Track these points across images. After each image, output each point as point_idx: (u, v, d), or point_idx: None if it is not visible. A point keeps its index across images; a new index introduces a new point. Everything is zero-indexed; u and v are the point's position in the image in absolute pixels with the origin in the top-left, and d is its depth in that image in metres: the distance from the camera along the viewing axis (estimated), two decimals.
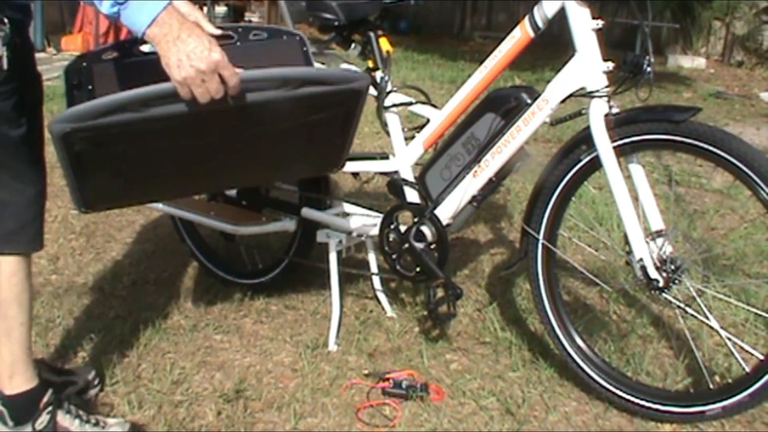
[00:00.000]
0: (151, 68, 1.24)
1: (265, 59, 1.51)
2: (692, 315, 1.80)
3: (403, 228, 2.02)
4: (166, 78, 1.22)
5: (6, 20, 1.31)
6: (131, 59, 1.49)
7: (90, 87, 1.46)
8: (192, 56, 1.17)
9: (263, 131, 1.44)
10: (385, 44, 2.03)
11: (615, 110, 1.69)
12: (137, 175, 1.44)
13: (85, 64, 1.46)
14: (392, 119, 2.05)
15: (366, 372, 1.90)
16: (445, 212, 1.94)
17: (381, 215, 2.07)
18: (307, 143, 1.55)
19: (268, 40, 1.58)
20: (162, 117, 1.25)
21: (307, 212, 2.14)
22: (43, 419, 1.53)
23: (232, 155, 1.49)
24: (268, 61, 1.49)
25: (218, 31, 1.50)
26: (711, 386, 1.79)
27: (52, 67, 6.34)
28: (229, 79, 1.20)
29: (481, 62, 1.88)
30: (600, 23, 1.69)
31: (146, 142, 1.33)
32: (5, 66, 1.32)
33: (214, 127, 1.35)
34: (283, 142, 1.52)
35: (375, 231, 2.05)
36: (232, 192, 2.27)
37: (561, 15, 1.72)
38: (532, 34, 1.78)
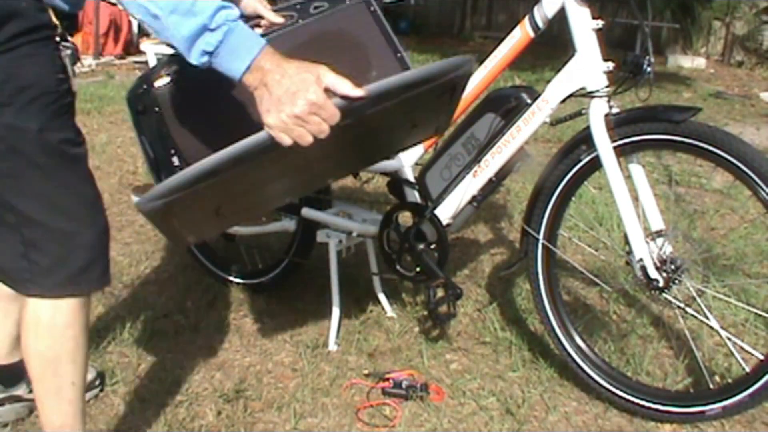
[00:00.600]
0: (215, 81, 1.18)
1: (333, 34, 1.42)
2: (692, 315, 1.80)
3: (403, 228, 2.02)
4: (231, 89, 1.19)
5: (67, 35, 1.22)
6: (191, 73, 1.45)
7: (157, 110, 1.41)
8: (282, 101, 1.07)
9: (366, 130, 1.34)
10: None
11: (615, 110, 1.70)
12: (232, 206, 1.37)
13: (145, 87, 1.41)
14: None
15: (366, 372, 1.90)
16: (445, 212, 1.94)
17: (381, 215, 2.07)
18: (412, 126, 1.46)
19: (330, 11, 1.48)
20: (258, 161, 1.17)
21: (307, 212, 2.14)
22: None
23: (329, 159, 1.41)
24: (338, 35, 1.40)
25: (279, 19, 1.47)
26: (711, 386, 1.79)
27: None
28: (329, 118, 1.09)
29: (481, 62, 1.87)
30: (600, 23, 1.69)
31: (241, 180, 1.25)
32: (75, 87, 1.23)
33: (315, 145, 1.22)
34: (386, 131, 1.43)
35: (375, 231, 2.05)
36: None
37: (561, 15, 1.72)
38: (532, 34, 1.78)
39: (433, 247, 1.98)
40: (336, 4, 1.48)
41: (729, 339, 1.84)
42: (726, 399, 1.64)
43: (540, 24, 1.77)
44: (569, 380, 1.90)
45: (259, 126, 1.14)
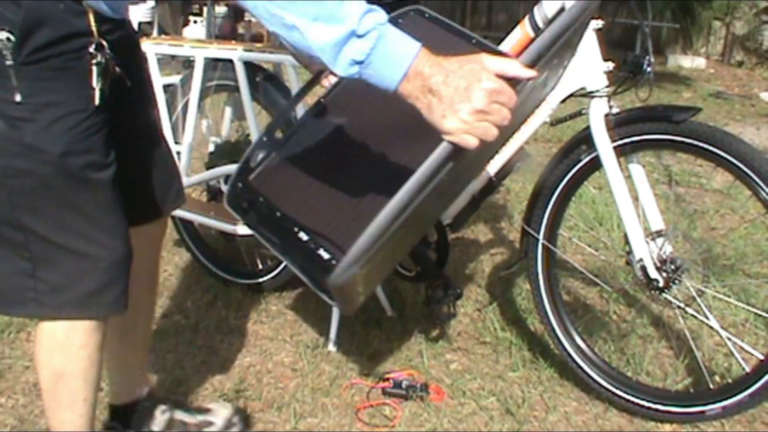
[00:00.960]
0: (311, 143, 1.22)
1: None
2: (692, 315, 1.80)
3: None
4: (325, 141, 1.24)
5: (104, 44, 1.11)
6: (282, 149, 1.41)
7: (261, 199, 1.37)
8: (456, 101, 0.94)
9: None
10: None
11: (615, 110, 1.70)
12: (401, 245, 1.32)
13: (240, 184, 1.38)
14: None
15: (366, 372, 1.90)
16: (445, 212, 1.94)
17: None
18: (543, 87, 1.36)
19: None
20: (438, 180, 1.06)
21: None
22: None
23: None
24: None
25: None
26: (711, 386, 1.78)
27: None
28: (509, 101, 0.96)
29: None
30: (600, 23, 1.69)
31: (415, 210, 1.13)
32: (96, 102, 1.11)
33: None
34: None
35: None
36: None
37: (561, 15, 1.71)
38: (532, 34, 1.78)
39: (433, 247, 1.98)
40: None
41: (729, 339, 1.84)
42: (726, 399, 1.64)
43: (540, 24, 1.76)
44: (569, 380, 1.90)
45: (374, 157, 1.16)
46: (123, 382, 1.56)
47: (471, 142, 0.96)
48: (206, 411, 1.63)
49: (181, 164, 2.32)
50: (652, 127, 1.64)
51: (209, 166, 2.29)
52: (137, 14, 7.82)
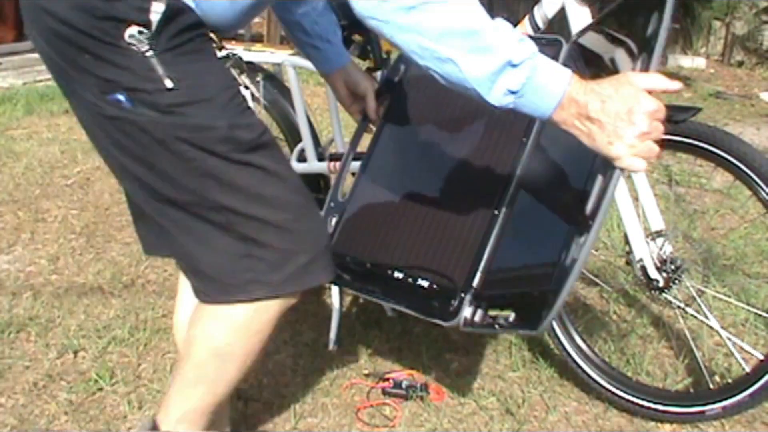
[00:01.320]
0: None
1: None
2: (692, 315, 1.80)
3: None
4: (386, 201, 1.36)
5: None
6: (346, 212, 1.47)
7: (348, 259, 1.43)
8: (620, 127, 0.95)
9: None
10: (385, 44, 2.03)
11: None
12: None
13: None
14: None
15: (366, 372, 1.90)
16: None
17: None
18: None
19: None
20: None
21: None
22: None
23: None
24: None
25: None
26: (711, 386, 1.79)
27: None
28: (662, 117, 0.99)
29: None
30: None
31: None
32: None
33: None
34: None
35: None
36: None
37: (561, 15, 1.72)
38: (532, 34, 1.78)
39: None
40: None
41: (729, 339, 1.84)
42: (726, 399, 1.63)
43: (540, 24, 1.77)
44: (569, 380, 1.90)
45: (442, 183, 1.30)
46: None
47: (641, 165, 0.98)
48: None
49: None
50: None
51: None
52: None
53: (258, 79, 2.16)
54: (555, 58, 1.31)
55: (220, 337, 1.19)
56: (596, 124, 0.96)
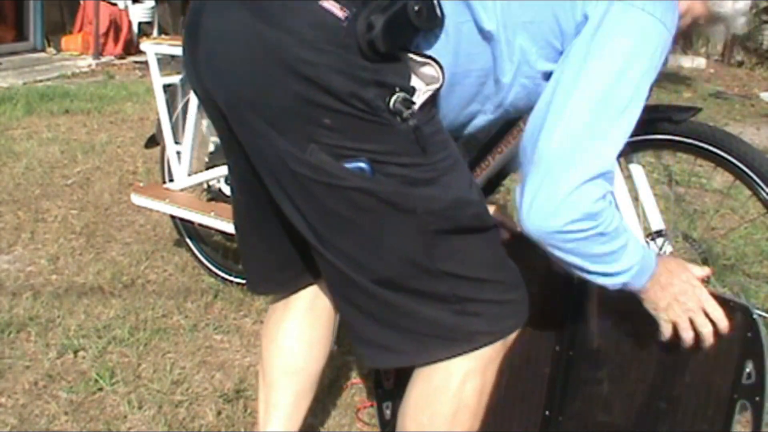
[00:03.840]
0: None
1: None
2: None
3: None
4: None
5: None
6: None
7: None
8: (680, 299, 1.15)
9: None
10: None
11: None
12: None
13: None
14: None
15: (366, 372, 1.90)
16: None
17: None
18: None
19: None
20: None
21: None
22: None
23: None
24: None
25: None
26: None
27: (52, 67, 6.35)
28: (719, 318, 1.17)
29: None
30: None
31: None
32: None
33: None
34: None
35: None
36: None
37: None
38: None
39: None
40: None
41: None
42: None
43: None
44: None
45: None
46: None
47: (669, 331, 1.19)
48: None
49: (182, 164, 2.32)
50: (652, 127, 1.64)
51: (209, 166, 2.29)
52: (137, 14, 7.83)
53: None
54: None
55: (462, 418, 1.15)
56: (662, 290, 1.15)
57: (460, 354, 1.12)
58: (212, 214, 2.23)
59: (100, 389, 1.79)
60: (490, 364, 1.15)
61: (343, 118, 0.96)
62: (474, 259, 1.10)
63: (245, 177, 1.20)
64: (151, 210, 2.85)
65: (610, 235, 1.06)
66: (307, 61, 0.94)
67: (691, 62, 8.72)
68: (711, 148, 1.57)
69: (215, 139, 2.34)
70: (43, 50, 7.09)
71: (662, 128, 1.63)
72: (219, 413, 1.72)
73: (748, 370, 1.20)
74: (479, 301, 1.12)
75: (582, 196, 1.00)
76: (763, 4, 8.94)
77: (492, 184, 1.90)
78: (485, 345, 1.12)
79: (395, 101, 0.96)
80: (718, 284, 2.35)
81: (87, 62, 6.73)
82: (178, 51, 2.20)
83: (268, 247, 1.31)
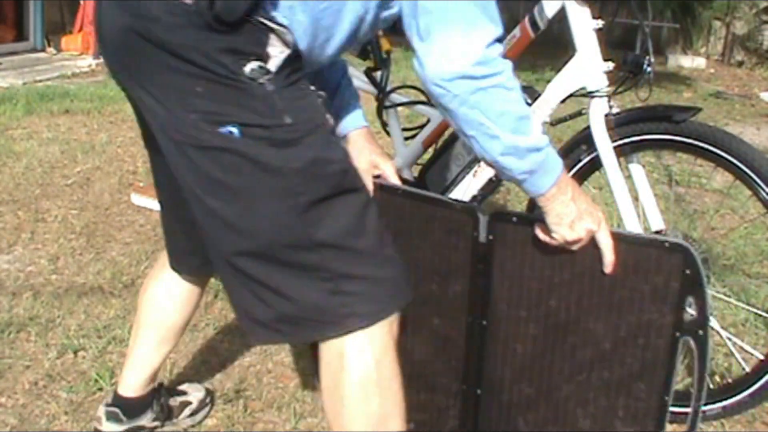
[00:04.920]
0: None
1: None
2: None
3: None
4: None
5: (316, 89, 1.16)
6: None
7: None
8: (585, 216, 1.16)
9: None
10: (385, 44, 2.03)
11: (615, 110, 1.70)
12: None
13: None
14: (392, 119, 2.05)
15: None
16: None
17: None
18: None
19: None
20: None
21: None
22: None
23: None
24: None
25: (396, 179, 1.41)
26: (711, 386, 1.78)
27: (52, 67, 6.35)
28: (606, 245, 1.19)
29: None
30: (600, 23, 1.69)
31: None
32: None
33: None
34: None
35: None
36: None
37: (561, 15, 1.72)
38: (532, 34, 1.78)
39: None
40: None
41: (729, 339, 1.84)
42: (726, 399, 1.64)
43: (540, 24, 1.77)
44: None
45: None
46: (144, 379, 1.58)
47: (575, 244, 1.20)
48: (183, 393, 1.71)
49: None
50: (652, 127, 1.64)
51: None
52: None
53: None
54: None
55: (370, 404, 1.15)
56: (573, 203, 1.16)
57: (334, 337, 1.14)
58: None
59: (100, 389, 1.79)
60: (381, 336, 1.15)
61: (211, 86, 1.05)
62: (345, 224, 1.12)
63: (158, 160, 1.30)
64: (151, 210, 2.85)
65: (513, 93, 1.07)
66: (171, 42, 1.05)
67: (691, 62, 8.72)
68: (711, 148, 1.57)
69: None
70: (43, 50, 7.08)
71: (662, 128, 1.63)
72: (219, 413, 1.72)
73: (688, 306, 1.22)
74: (354, 278, 1.12)
75: (475, 39, 1.02)
76: (763, 4, 8.95)
77: (492, 184, 1.90)
78: (362, 328, 1.14)
79: (251, 68, 1.05)
80: (718, 284, 2.35)
81: (87, 62, 6.72)
82: None
83: (182, 230, 1.40)
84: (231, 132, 1.05)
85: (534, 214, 1.25)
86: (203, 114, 1.06)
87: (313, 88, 1.14)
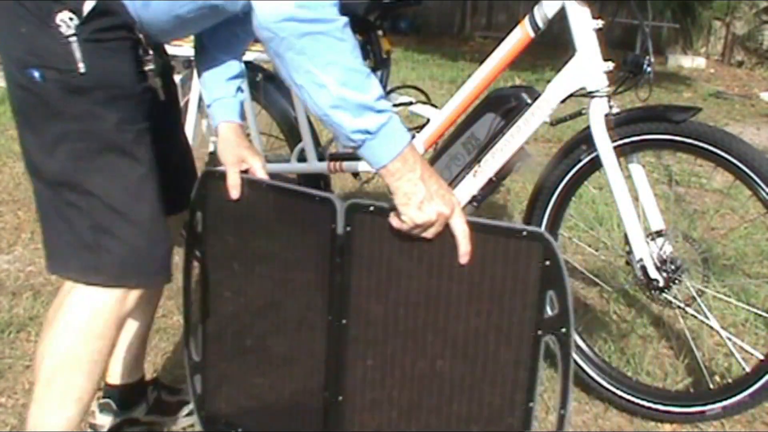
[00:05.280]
0: None
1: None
2: (692, 315, 1.80)
3: None
4: None
5: (150, 51, 1.22)
6: None
7: None
8: (436, 197, 1.10)
9: None
10: (385, 44, 2.03)
11: (615, 110, 1.69)
12: None
13: None
14: None
15: None
16: None
17: None
18: None
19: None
20: None
21: None
22: None
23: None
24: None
25: (264, 174, 1.39)
26: (711, 386, 1.79)
27: None
28: (462, 232, 1.13)
29: (481, 62, 1.87)
30: (600, 23, 1.69)
31: None
32: (162, 97, 1.26)
33: None
34: None
35: None
36: None
37: (561, 15, 1.72)
38: (532, 34, 1.78)
39: None
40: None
41: (729, 339, 1.84)
42: (726, 399, 1.64)
43: (540, 24, 1.76)
44: None
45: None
46: (128, 363, 1.59)
47: (417, 232, 1.14)
48: (180, 391, 1.71)
49: None
50: (652, 127, 1.64)
51: (209, 166, 2.29)
52: None
53: (258, 79, 2.16)
54: None
55: (64, 340, 1.24)
56: (422, 182, 1.10)
57: (74, 279, 1.23)
58: None
59: (100, 389, 1.79)
60: (109, 302, 1.23)
61: (31, 28, 1.14)
62: (118, 186, 1.19)
63: None
64: None
65: (345, 44, 1.06)
66: None
67: (691, 62, 8.72)
68: (711, 148, 1.57)
69: (215, 138, 2.34)
70: None
71: (662, 128, 1.63)
72: None
73: (549, 301, 1.13)
74: (114, 237, 1.20)
75: None
76: (763, 4, 8.95)
77: (492, 184, 1.90)
78: (98, 285, 1.22)
79: (62, 17, 1.13)
80: (718, 284, 2.35)
81: None
82: (178, 51, 2.21)
83: None
84: (34, 75, 1.14)
85: (392, 204, 1.16)
86: (19, 56, 1.15)
87: (149, 60, 1.21)
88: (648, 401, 1.74)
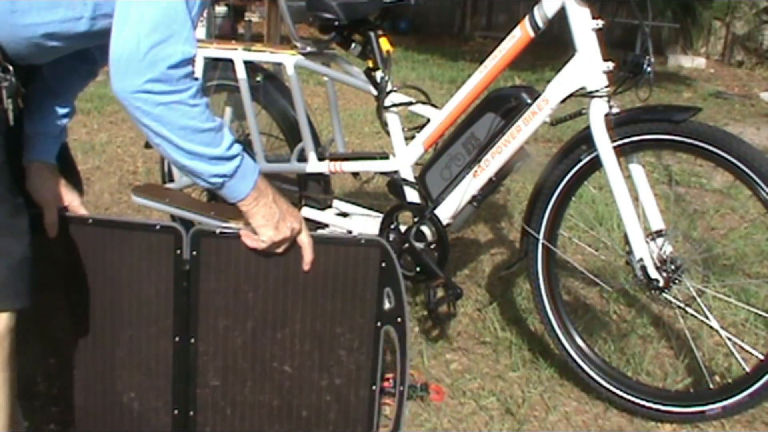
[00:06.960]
0: None
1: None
2: (692, 315, 1.80)
3: (403, 228, 2.02)
4: None
5: (10, 67, 1.16)
6: None
7: None
8: (288, 216, 1.25)
9: None
10: (385, 44, 2.03)
11: (615, 110, 1.70)
12: None
13: None
14: (392, 119, 2.05)
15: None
16: (445, 212, 1.94)
17: (381, 215, 2.07)
18: None
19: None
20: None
21: (307, 212, 2.14)
22: None
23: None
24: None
25: (84, 211, 1.38)
26: (711, 386, 1.79)
27: None
28: (307, 244, 1.29)
29: (481, 62, 1.88)
30: (600, 23, 1.70)
31: None
32: (12, 122, 1.18)
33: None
34: None
35: (375, 231, 2.05)
36: None
37: (561, 15, 1.72)
38: (532, 34, 1.78)
39: (433, 247, 1.98)
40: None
41: (729, 339, 1.84)
42: (726, 399, 1.64)
43: (540, 24, 1.77)
44: (569, 380, 1.90)
45: None
46: None
47: (272, 249, 1.28)
48: None
49: None
50: (652, 127, 1.64)
51: None
52: None
53: (258, 79, 2.16)
54: None
55: None
56: (276, 205, 1.24)
57: None
58: (212, 213, 2.23)
59: None
60: None
61: None
62: None
63: None
64: (151, 210, 2.85)
65: (196, 109, 1.13)
66: None
67: (691, 62, 8.72)
68: (711, 148, 1.57)
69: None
70: None
71: (662, 128, 1.63)
72: None
73: (387, 296, 1.32)
74: None
75: (158, 57, 1.07)
76: (763, 4, 8.95)
77: (492, 184, 1.90)
78: None
79: None
80: (718, 284, 2.35)
81: None
82: None
83: None
84: None
85: (237, 226, 1.31)
86: None
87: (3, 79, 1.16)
88: (648, 401, 1.74)
